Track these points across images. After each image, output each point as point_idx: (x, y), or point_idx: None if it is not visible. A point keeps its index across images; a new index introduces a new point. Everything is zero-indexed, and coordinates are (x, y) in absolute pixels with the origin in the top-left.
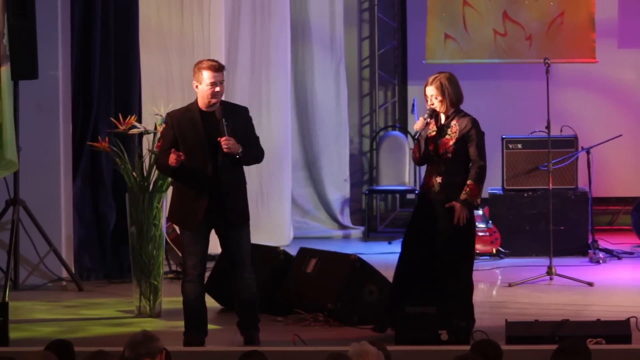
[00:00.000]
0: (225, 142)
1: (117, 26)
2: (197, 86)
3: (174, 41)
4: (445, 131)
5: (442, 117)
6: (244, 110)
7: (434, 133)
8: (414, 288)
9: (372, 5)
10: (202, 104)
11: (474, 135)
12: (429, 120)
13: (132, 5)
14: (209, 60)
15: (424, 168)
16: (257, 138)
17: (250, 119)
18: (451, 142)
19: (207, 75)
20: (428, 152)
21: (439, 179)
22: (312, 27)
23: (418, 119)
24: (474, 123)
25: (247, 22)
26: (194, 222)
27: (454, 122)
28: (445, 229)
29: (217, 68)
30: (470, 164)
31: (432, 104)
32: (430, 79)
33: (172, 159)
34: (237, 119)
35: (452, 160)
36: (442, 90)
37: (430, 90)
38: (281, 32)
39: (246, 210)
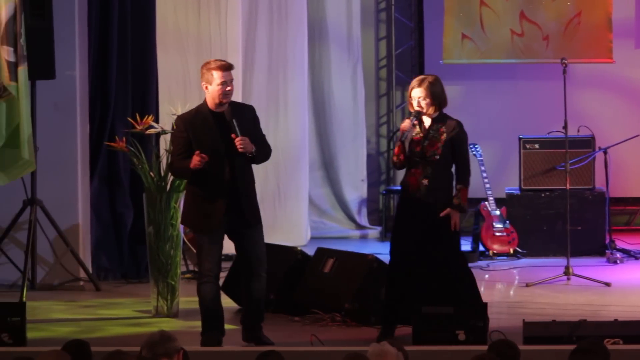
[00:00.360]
0: (240, 142)
1: (134, 26)
2: (206, 87)
3: (191, 41)
4: (432, 134)
5: (427, 120)
6: (251, 109)
7: (420, 136)
8: (413, 294)
9: (389, 5)
10: (211, 104)
11: (461, 138)
12: (415, 122)
13: (149, 5)
14: (217, 60)
15: None
16: (264, 135)
17: (257, 117)
18: (439, 145)
19: (217, 75)
20: (412, 155)
21: (425, 182)
22: (329, 27)
23: (404, 121)
24: (461, 126)
25: (264, 22)
26: (213, 224)
27: (440, 125)
28: (438, 230)
29: (227, 67)
30: (456, 167)
31: (419, 106)
32: (418, 81)
33: (196, 161)
34: (245, 119)
35: (439, 163)
36: (431, 92)
37: (419, 92)
38: (298, 32)
39: (259, 210)
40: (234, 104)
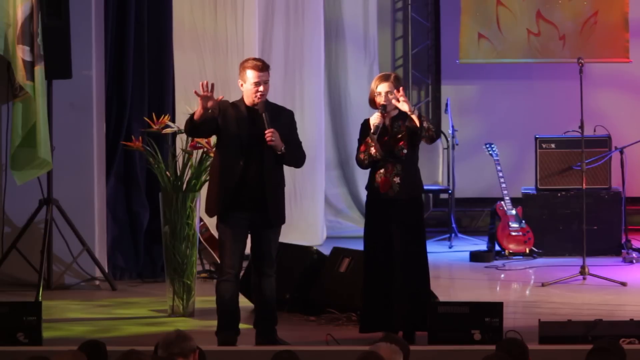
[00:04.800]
0: (270, 135)
1: (150, 26)
2: (242, 85)
3: (208, 41)
4: (395, 131)
5: (386, 120)
6: (289, 113)
7: (384, 136)
8: (387, 291)
9: (405, 4)
10: (247, 102)
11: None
12: (384, 114)
13: (166, 4)
14: (254, 59)
15: (458, 167)
16: (300, 143)
17: (294, 122)
18: (403, 137)
19: (251, 75)
20: (379, 155)
21: (397, 180)
22: (345, 27)
23: (373, 115)
24: (423, 117)
25: (280, 22)
26: (217, 209)
27: (401, 123)
28: (411, 228)
29: (261, 68)
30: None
31: (386, 100)
32: (383, 77)
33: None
34: (281, 122)
35: (407, 158)
36: (396, 86)
37: (387, 87)
38: (315, 32)
39: (284, 212)
40: (272, 105)
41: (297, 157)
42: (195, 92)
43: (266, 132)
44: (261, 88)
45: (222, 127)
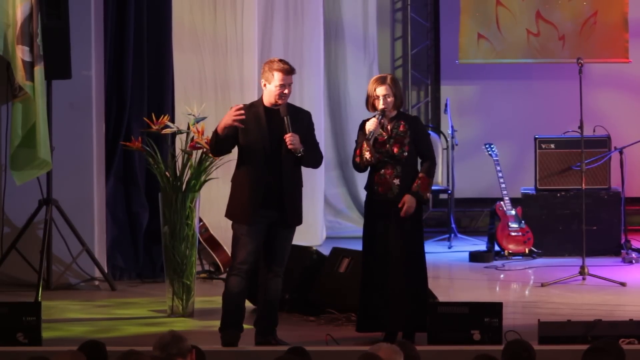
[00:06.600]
0: (290, 138)
1: (150, 26)
2: (265, 85)
3: (207, 41)
4: (396, 132)
5: (386, 120)
6: (307, 114)
7: (383, 136)
8: (384, 291)
9: (405, 5)
10: (267, 102)
11: (423, 132)
12: (381, 120)
13: (165, 5)
14: (281, 62)
15: (458, 167)
16: (318, 143)
17: (312, 123)
18: (406, 141)
19: (277, 77)
20: (380, 155)
21: (396, 181)
22: (345, 27)
23: (370, 120)
24: (420, 121)
25: (280, 22)
26: (248, 214)
27: (400, 123)
28: (410, 230)
29: (288, 71)
30: (422, 161)
31: (384, 104)
32: (379, 80)
33: (231, 116)
34: (299, 122)
35: (407, 161)
36: (394, 89)
37: (384, 90)
38: (314, 32)
39: (301, 213)
40: (291, 106)
41: (315, 158)
42: (234, 122)
43: (286, 136)
44: (286, 91)
45: (240, 129)
